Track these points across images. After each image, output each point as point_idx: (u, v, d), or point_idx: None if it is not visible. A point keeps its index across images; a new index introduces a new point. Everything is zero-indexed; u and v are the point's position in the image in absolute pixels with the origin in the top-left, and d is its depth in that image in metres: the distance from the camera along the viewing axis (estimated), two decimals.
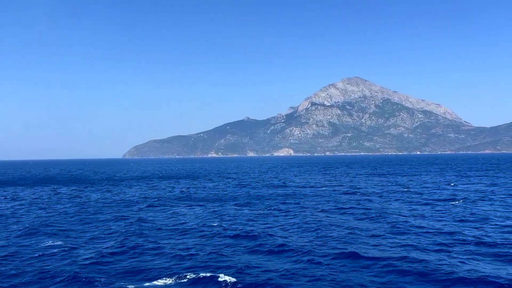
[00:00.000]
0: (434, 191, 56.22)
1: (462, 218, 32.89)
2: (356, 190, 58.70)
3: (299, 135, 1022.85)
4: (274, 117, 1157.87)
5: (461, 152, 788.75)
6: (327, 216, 35.76)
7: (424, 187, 62.10)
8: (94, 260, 21.80)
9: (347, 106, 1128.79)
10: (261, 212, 39.29)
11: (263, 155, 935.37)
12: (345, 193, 55.82)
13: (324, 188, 64.15)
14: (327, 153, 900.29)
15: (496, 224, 30.22)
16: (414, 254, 21.87)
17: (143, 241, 26.43)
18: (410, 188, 61.35)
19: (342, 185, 68.95)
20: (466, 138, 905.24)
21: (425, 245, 23.95)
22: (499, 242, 24.17)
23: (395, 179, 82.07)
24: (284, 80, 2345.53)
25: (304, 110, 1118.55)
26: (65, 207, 45.11)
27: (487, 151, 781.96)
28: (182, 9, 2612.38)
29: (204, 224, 32.79)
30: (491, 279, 17.55)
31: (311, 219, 34.27)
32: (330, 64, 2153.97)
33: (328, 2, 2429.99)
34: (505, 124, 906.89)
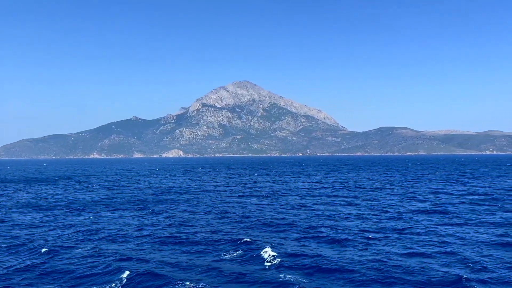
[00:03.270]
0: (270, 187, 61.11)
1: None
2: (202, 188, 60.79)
3: (190, 136, 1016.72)
4: (164, 118, 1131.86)
5: (337, 154, 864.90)
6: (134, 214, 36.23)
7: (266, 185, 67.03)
8: None
9: (237, 109, 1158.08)
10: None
11: (151, 156, 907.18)
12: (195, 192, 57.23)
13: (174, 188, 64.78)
14: (217, 155, 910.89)
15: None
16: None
17: None
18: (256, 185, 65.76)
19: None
20: (342, 142, 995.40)
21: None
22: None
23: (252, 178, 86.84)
24: (175, 80, 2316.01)
25: (195, 112, 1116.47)
26: None
27: (358, 154, 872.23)
28: (68, 3, 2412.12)
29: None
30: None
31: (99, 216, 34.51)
32: (221, 67, 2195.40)
33: (220, 6, 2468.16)
34: (374, 129, 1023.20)
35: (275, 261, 20.61)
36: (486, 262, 19.74)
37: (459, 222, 30.94)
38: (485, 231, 27.22)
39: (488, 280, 17.20)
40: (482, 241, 24.19)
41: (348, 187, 64.59)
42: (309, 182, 75.85)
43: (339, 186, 66.95)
